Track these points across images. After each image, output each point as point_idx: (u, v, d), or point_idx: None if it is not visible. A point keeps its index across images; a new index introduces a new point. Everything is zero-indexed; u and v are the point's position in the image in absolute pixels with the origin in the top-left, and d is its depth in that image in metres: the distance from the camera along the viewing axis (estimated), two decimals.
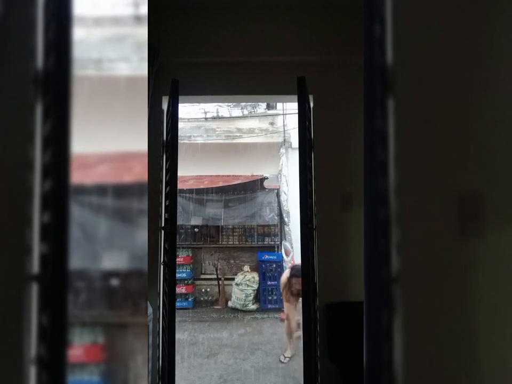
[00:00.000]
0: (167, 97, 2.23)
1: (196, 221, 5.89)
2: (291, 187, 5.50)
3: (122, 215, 1.27)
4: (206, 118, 6.42)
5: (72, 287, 1.09)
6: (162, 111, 2.43)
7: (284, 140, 6.05)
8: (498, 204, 0.92)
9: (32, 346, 0.93)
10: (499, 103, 0.95)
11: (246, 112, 6.41)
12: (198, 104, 5.90)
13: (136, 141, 1.23)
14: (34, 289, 0.93)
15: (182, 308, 5.13)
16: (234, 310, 5.15)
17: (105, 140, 1.28)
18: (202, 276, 5.74)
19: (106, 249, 1.27)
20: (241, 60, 2.42)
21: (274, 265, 5.35)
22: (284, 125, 6.08)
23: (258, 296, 5.29)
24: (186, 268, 5.43)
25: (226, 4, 2.42)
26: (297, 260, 4.88)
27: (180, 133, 2.09)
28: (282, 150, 5.98)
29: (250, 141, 6.16)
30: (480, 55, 0.96)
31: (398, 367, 0.88)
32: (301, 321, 2.99)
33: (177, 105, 1.88)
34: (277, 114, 6.31)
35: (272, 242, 5.82)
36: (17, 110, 0.99)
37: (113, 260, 1.25)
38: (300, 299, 3.16)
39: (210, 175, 6.06)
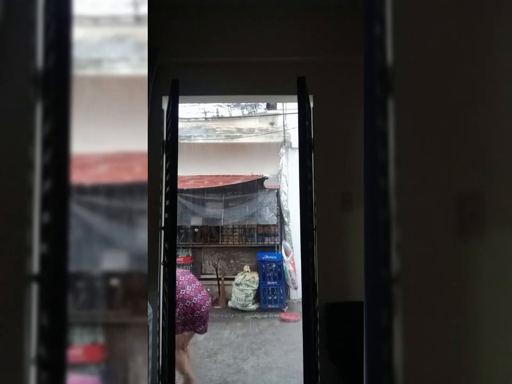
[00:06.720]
0: (167, 97, 2.23)
1: (195, 221, 5.89)
2: (291, 187, 5.50)
3: (122, 215, 1.27)
4: (206, 118, 6.42)
5: (72, 287, 1.09)
6: (162, 111, 2.44)
7: (284, 140, 6.05)
8: (498, 204, 0.92)
9: (32, 346, 0.93)
10: (499, 103, 0.95)
11: (246, 112, 6.42)
12: (198, 104, 5.90)
13: (136, 141, 1.23)
14: (34, 289, 0.93)
15: None
16: (234, 310, 5.15)
17: (105, 140, 1.29)
18: (202, 276, 5.74)
19: (107, 249, 1.27)
20: (242, 60, 2.43)
21: (274, 265, 5.35)
22: (284, 125, 6.08)
23: (258, 296, 5.29)
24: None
25: (226, 4, 2.42)
26: (297, 260, 4.88)
27: (180, 133, 2.09)
28: (282, 150, 5.98)
29: (250, 141, 6.16)
30: (480, 55, 0.96)
31: (398, 367, 0.88)
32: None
33: (177, 105, 1.88)
34: (277, 114, 6.32)
35: (272, 242, 5.82)
36: (17, 110, 0.99)
37: (114, 260, 1.25)
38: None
39: (210, 175, 6.06)
